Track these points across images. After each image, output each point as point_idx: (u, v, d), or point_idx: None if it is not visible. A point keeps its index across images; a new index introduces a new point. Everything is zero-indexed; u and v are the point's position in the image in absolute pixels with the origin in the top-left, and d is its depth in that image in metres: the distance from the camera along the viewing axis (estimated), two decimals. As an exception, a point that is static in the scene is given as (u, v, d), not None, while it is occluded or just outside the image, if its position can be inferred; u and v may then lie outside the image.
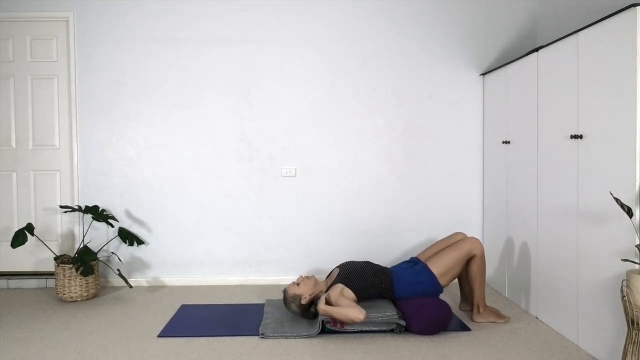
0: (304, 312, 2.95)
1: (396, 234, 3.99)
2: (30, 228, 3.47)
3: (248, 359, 2.49)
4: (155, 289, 3.84)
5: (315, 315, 2.94)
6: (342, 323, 2.77)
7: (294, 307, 2.93)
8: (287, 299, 2.95)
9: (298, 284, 2.94)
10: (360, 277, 2.93)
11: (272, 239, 3.96)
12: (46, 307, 3.37)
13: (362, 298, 2.91)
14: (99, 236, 3.90)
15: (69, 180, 3.96)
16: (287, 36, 3.91)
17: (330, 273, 3.15)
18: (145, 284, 3.93)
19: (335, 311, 2.70)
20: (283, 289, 3.23)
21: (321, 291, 2.95)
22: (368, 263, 3.06)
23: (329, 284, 2.98)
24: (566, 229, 2.72)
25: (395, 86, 3.96)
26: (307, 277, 2.99)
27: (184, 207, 3.92)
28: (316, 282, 2.99)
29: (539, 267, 3.03)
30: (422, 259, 3.12)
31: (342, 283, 2.91)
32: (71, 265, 3.47)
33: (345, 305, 2.71)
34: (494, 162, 3.75)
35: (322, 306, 2.74)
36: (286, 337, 2.77)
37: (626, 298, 2.02)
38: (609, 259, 2.35)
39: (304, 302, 2.89)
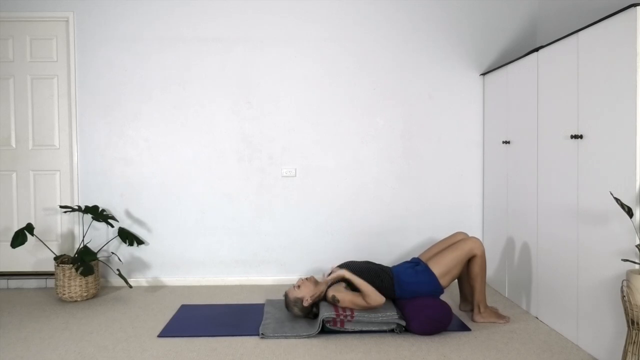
0: (307, 314, 2.96)
1: (396, 234, 3.99)
2: (30, 228, 3.47)
3: (248, 359, 2.49)
4: (155, 289, 3.84)
5: (317, 315, 2.94)
6: (342, 322, 2.77)
7: (296, 310, 2.95)
8: (289, 303, 2.96)
9: (299, 287, 2.94)
10: (361, 278, 2.93)
11: (272, 239, 3.96)
12: (46, 307, 3.37)
13: None
14: (99, 236, 3.90)
15: (68, 180, 3.96)
16: (288, 36, 3.91)
17: (330, 272, 3.15)
18: (145, 284, 3.93)
19: (354, 298, 2.79)
20: (284, 293, 3.23)
21: (322, 292, 2.95)
22: (369, 263, 3.06)
23: (329, 283, 2.98)
24: (566, 229, 2.72)
25: (395, 86, 3.96)
26: (306, 279, 2.99)
27: (184, 207, 3.92)
28: (316, 282, 2.99)
29: (539, 267, 3.03)
30: (423, 259, 3.11)
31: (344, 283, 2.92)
32: (71, 265, 3.47)
33: (358, 294, 2.81)
34: (494, 162, 3.75)
35: (343, 297, 2.79)
36: (286, 337, 2.77)
37: (626, 298, 2.02)
38: (609, 259, 2.35)
39: (306, 304, 2.90)
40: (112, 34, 3.87)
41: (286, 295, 2.99)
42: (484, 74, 3.92)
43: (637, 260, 2.16)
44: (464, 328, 2.90)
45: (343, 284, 2.90)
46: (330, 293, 2.83)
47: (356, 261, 3.11)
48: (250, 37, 3.90)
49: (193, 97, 3.90)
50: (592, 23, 2.45)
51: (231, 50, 3.90)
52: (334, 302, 2.82)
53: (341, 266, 3.06)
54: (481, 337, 2.78)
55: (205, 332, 2.85)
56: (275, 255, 3.97)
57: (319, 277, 3.91)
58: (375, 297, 2.76)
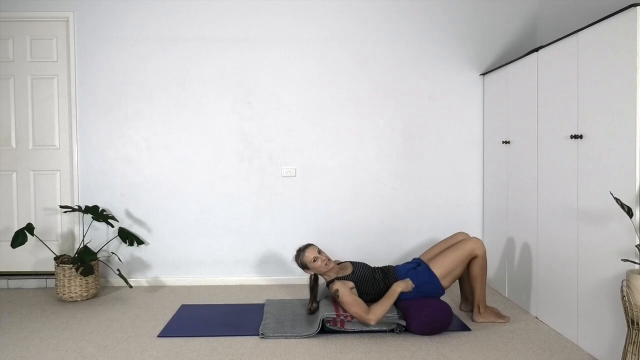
0: (310, 286, 3.05)
1: (396, 234, 3.99)
2: (30, 228, 3.46)
3: (248, 359, 2.49)
4: (155, 289, 3.84)
5: (316, 309, 2.94)
6: (342, 322, 2.78)
7: (299, 264, 3.04)
8: (299, 259, 3.03)
9: (315, 259, 2.95)
10: (370, 285, 2.96)
11: (272, 239, 3.96)
12: (46, 307, 3.37)
13: (366, 302, 2.94)
14: (99, 236, 3.90)
15: (69, 180, 3.96)
16: (288, 37, 3.91)
17: (341, 262, 3.17)
18: (145, 284, 3.93)
19: (353, 303, 2.75)
20: (300, 247, 3.09)
21: (328, 275, 3.01)
22: (377, 271, 3.06)
23: (339, 273, 3.01)
24: (566, 229, 2.72)
25: (395, 86, 3.96)
26: (329, 259, 3.00)
27: (184, 207, 3.92)
28: (333, 267, 3.01)
29: (539, 267, 3.03)
30: (424, 259, 3.11)
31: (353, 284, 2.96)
32: (71, 265, 3.47)
33: (362, 304, 2.77)
34: (494, 162, 3.75)
35: (343, 296, 2.78)
36: (286, 337, 2.77)
37: (626, 298, 2.02)
38: (609, 259, 2.35)
39: (306, 272, 3.03)
40: (112, 34, 3.87)
41: (300, 253, 3.03)
42: (484, 74, 3.92)
43: (637, 260, 2.16)
44: (464, 328, 2.90)
45: (352, 284, 2.91)
46: (336, 287, 2.85)
47: (368, 266, 3.10)
48: (250, 37, 3.90)
49: (193, 97, 3.90)
50: (592, 23, 2.45)
51: (231, 50, 3.90)
52: (334, 296, 2.83)
53: (353, 265, 3.07)
54: (481, 337, 2.78)
55: (205, 332, 2.85)
56: (275, 255, 3.97)
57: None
58: (373, 318, 2.73)
